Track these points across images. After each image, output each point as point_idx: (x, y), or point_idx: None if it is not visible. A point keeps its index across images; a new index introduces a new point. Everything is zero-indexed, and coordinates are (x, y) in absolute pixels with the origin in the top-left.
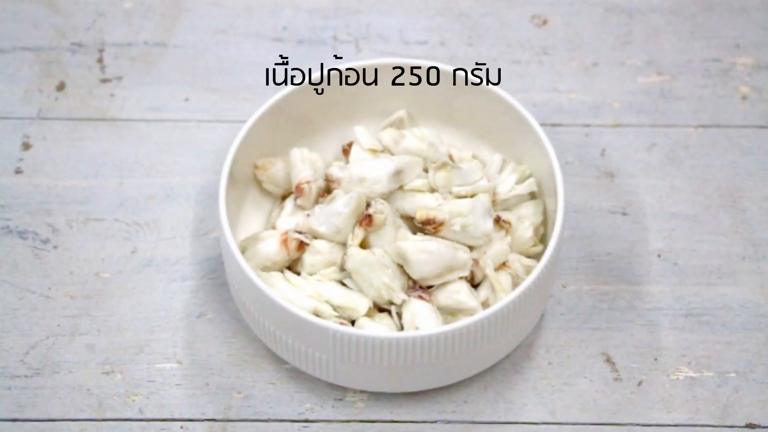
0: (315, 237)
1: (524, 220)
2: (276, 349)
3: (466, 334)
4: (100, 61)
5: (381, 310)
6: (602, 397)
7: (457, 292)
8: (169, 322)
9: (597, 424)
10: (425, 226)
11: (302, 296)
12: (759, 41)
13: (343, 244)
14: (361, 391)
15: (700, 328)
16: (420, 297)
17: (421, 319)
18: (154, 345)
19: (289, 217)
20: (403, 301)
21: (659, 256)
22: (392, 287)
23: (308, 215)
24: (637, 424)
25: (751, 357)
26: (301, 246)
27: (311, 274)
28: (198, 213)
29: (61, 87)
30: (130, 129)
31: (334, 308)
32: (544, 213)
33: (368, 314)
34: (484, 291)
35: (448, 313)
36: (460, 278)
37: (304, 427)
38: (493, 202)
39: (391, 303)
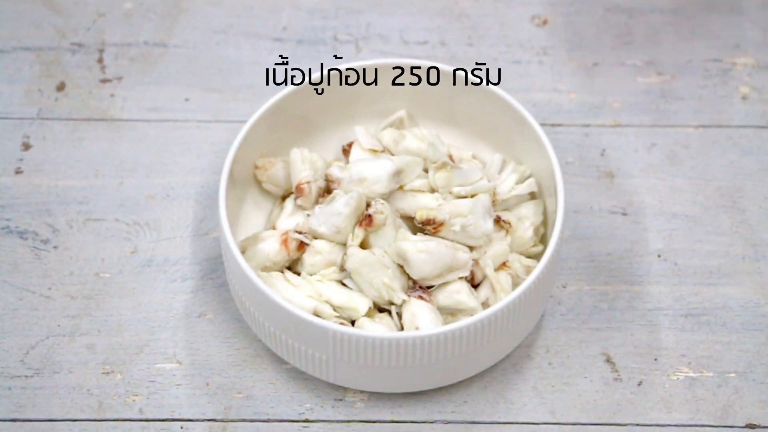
0: (315, 237)
1: (524, 221)
2: (276, 349)
3: (466, 334)
4: (100, 61)
5: (381, 310)
6: (602, 397)
7: (457, 292)
8: (169, 322)
9: (597, 424)
10: (425, 226)
11: (302, 296)
12: (759, 41)
13: (344, 245)
14: (361, 391)
15: (700, 328)
16: (420, 297)
17: (421, 319)
18: (154, 345)
19: (289, 218)
20: (403, 302)
21: (659, 256)
22: (392, 287)
23: (308, 215)
24: (637, 425)
25: (751, 357)
26: (301, 246)
27: (311, 274)
28: (198, 213)
29: (61, 87)
30: (130, 129)
31: (334, 308)
32: (544, 213)
33: (368, 314)
34: (484, 291)
35: (448, 313)
36: (460, 278)
37: (304, 427)
38: (493, 203)
39: (391, 303)
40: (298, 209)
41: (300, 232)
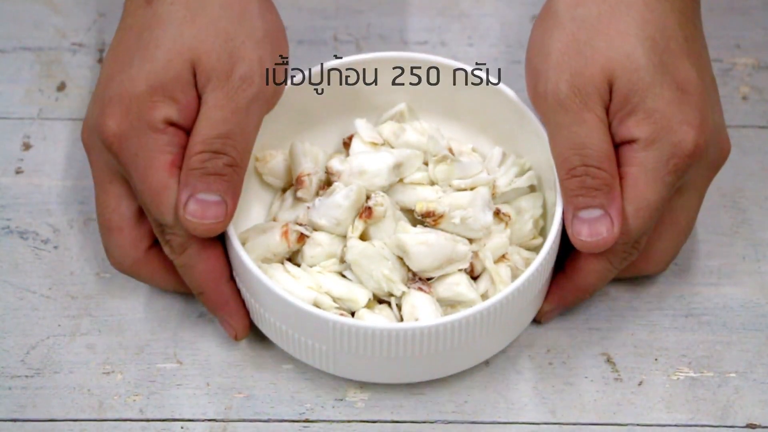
0: (315, 229)
1: (524, 213)
2: (276, 340)
3: (466, 325)
4: (100, 62)
5: (381, 302)
6: (603, 397)
7: (457, 284)
8: (169, 322)
9: (597, 424)
10: (425, 219)
11: (302, 287)
12: (759, 41)
13: (343, 237)
14: (362, 392)
15: (700, 328)
16: (420, 289)
17: (421, 310)
18: (154, 345)
19: (290, 210)
20: (403, 293)
21: None
22: (392, 279)
23: (308, 208)
24: (638, 424)
25: (751, 357)
26: (302, 238)
27: (311, 266)
28: None
29: (61, 87)
30: None
31: (334, 299)
32: (544, 206)
33: (368, 306)
34: (483, 283)
35: (448, 305)
36: (460, 270)
37: (305, 427)
38: (493, 195)
39: (391, 295)
40: (298, 201)
41: (300, 224)
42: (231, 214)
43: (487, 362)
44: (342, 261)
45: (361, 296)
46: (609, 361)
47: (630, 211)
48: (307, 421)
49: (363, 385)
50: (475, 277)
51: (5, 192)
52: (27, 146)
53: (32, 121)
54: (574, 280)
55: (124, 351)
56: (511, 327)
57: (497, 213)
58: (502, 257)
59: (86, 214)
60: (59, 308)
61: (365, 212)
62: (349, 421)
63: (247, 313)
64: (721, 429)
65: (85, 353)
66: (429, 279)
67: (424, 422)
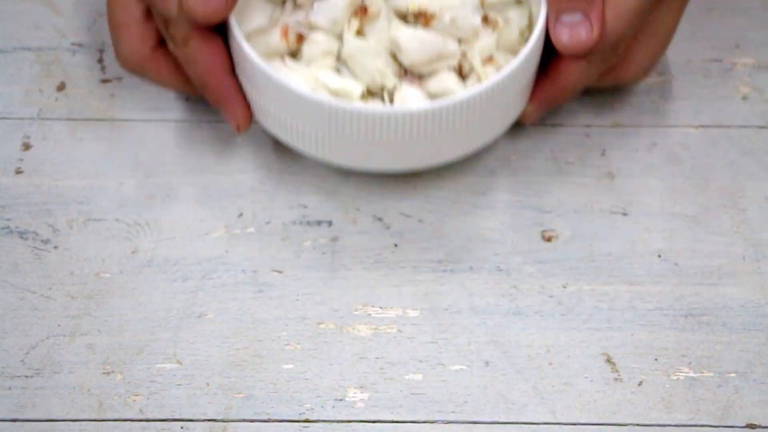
0: (313, 29)
1: (511, 23)
2: (275, 131)
3: (454, 111)
4: (100, 62)
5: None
6: (603, 397)
7: (446, 80)
8: (169, 322)
9: (597, 424)
10: (417, 19)
11: (300, 79)
12: (759, 41)
13: (340, 37)
14: (362, 392)
15: (700, 328)
16: (411, 82)
17: (412, 102)
18: (154, 345)
19: (290, 16)
20: (395, 86)
21: (659, 256)
22: (385, 73)
23: (307, 14)
24: (638, 424)
25: (751, 357)
26: (300, 38)
27: (309, 64)
28: (198, 213)
29: (61, 87)
30: (130, 129)
31: (330, 92)
32: (529, 19)
33: (362, 98)
34: (471, 82)
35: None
36: (449, 68)
37: (304, 427)
38: (482, 4)
39: (383, 89)
40: (298, 8)
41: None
42: (232, 4)
43: (486, 362)
44: (338, 59)
45: (355, 88)
46: (609, 361)
47: (610, 16)
48: (307, 421)
49: (363, 385)
50: (463, 78)
51: (5, 192)
52: (27, 146)
53: (32, 121)
54: (555, 81)
55: (124, 351)
56: (496, 120)
57: (485, 18)
58: (490, 59)
59: (86, 214)
60: (59, 308)
61: (360, 10)
62: (349, 421)
63: (248, 104)
64: (721, 429)
65: (85, 353)
66: (420, 77)
67: (424, 422)
